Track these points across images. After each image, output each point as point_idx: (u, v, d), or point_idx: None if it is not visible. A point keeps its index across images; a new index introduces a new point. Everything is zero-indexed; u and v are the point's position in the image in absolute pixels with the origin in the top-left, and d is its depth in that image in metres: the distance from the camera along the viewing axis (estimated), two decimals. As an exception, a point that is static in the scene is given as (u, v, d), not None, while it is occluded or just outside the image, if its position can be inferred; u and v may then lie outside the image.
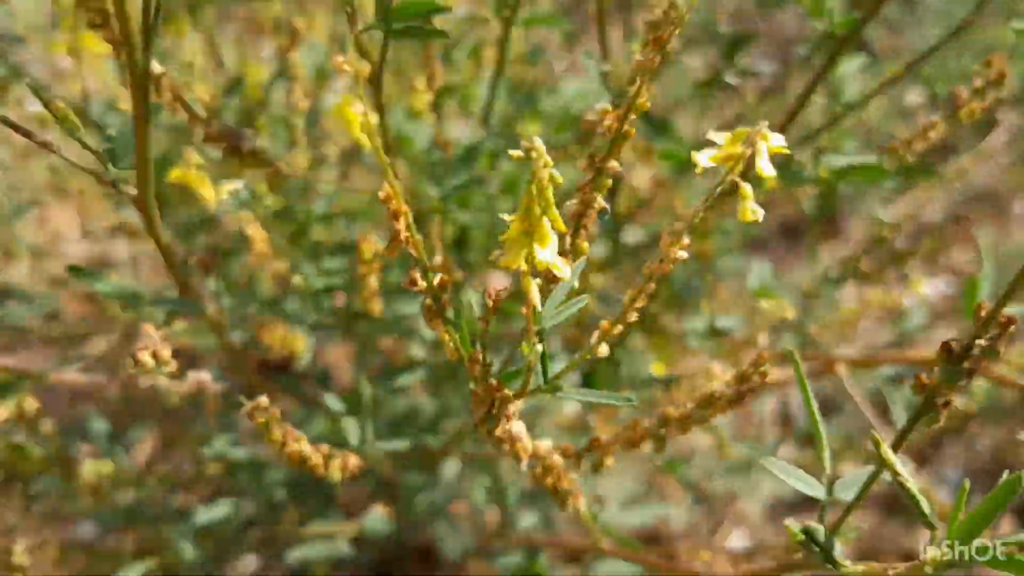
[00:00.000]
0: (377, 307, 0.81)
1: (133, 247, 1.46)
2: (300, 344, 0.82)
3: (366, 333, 0.93)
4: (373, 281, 0.77)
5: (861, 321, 1.99)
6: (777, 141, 0.43)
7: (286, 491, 1.18)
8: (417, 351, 0.89)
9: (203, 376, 0.92)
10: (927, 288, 2.14)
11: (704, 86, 0.99)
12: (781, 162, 0.87)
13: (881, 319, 2.02)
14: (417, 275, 0.47)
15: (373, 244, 0.73)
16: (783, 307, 0.81)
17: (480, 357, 0.51)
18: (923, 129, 0.73)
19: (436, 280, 0.48)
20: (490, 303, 0.46)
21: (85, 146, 0.46)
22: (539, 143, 0.42)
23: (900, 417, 0.86)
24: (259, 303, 0.76)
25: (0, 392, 0.78)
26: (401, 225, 0.44)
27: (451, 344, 0.51)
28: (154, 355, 0.58)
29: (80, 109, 0.87)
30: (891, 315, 2.06)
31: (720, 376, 0.87)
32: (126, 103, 0.85)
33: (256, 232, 0.81)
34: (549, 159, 0.42)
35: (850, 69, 0.88)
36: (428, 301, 0.49)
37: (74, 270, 0.72)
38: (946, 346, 0.46)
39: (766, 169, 0.41)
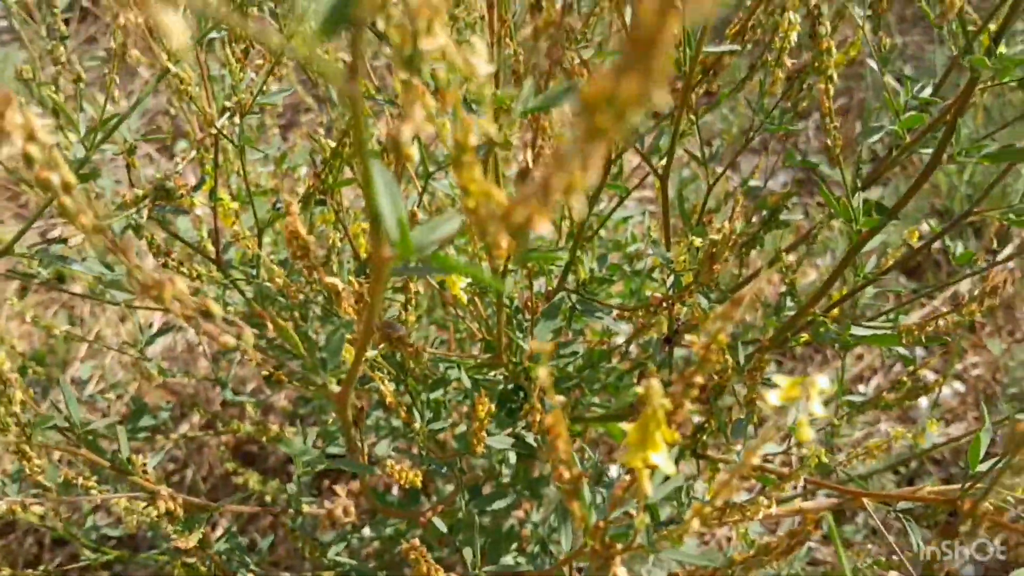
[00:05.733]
0: (480, 448, 1.00)
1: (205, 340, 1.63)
2: (416, 478, 0.99)
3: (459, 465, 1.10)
4: (483, 434, 0.96)
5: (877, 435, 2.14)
6: (824, 383, 0.61)
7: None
8: (506, 473, 1.06)
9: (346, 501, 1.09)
10: (944, 390, 2.29)
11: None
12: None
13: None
14: (566, 472, 0.65)
15: (487, 405, 0.92)
16: (819, 453, 0.98)
17: (602, 526, 0.68)
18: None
19: (575, 473, 0.66)
20: (618, 495, 0.64)
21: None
22: (655, 385, 0.60)
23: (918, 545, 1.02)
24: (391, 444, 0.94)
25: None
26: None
27: (579, 513, 0.69)
28: (344, 511, 0.74)
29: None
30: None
31: (765, 504, 1.02)
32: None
33: (385, 387, 1.00)
34: (664, 402, 0.60)
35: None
36: (568, 488, 0.66)
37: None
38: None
39: (818, 410, 0.59)
